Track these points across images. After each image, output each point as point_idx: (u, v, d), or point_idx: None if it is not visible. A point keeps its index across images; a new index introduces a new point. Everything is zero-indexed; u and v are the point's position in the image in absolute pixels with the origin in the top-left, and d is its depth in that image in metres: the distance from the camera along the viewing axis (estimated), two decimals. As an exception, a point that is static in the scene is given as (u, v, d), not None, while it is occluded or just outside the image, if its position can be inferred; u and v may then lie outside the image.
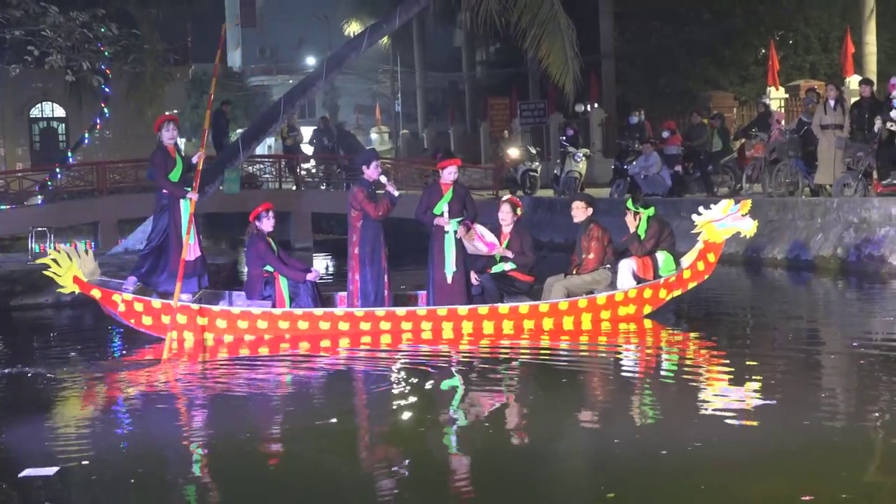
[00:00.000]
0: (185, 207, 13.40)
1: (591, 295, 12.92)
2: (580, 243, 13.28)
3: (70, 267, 12.75)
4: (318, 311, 12.85)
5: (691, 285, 13.20)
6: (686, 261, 13.20)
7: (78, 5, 28.74)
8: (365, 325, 12.70)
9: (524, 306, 12.72)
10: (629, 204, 13.58)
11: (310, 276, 13.23)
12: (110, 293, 13.10)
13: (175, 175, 13.53)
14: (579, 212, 13.29)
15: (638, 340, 12.60)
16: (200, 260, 13.60)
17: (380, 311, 12.79)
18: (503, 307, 12.73)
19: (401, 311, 12.80)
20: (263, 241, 13.15)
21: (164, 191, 13.58)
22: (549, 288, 13.23)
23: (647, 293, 12.98)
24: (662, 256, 13.11)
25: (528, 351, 11.93)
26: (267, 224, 13.22)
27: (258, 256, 13.20)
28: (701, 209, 12.92)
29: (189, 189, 13.48)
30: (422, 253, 13.99)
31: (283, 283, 13.15)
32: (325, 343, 12.54)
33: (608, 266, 13.19)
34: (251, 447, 8.32)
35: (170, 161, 13.52)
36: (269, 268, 13.20)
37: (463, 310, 12.68)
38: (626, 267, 13.11)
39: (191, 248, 13.31)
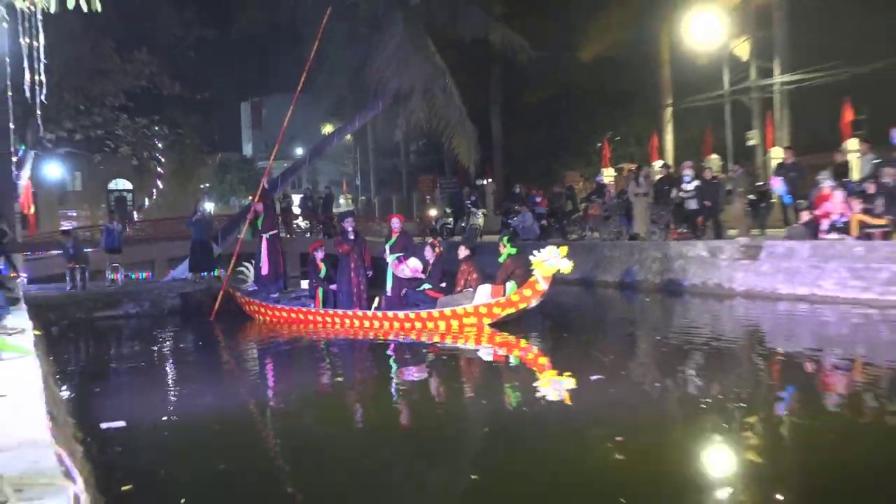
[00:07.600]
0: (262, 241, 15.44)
1: (440, 309, 12.69)
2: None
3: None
4: (303, 310, 13.93)
5: (522, 305, 12.32)
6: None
7: (141, 113, 28.51)
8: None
9: (403, 314, 12.84)
10: (504, 239, 13.70)
11: (333, 287, 14.21)
12: (234, 290, 15.25)
13: (258, 222, 15.66)
14: (461, 251, 13.65)
15: (472, 340, 11.76)
16: (272, 274, 15.42)
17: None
18: (401, 314, 12.91)
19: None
20: (313, 265, 14.53)
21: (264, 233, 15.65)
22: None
23: (483, 309, 12.46)
24: (510, 285, 12.78)
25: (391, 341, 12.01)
26: (320, 254, 14.57)
27: (310, 273, 14.86)
28: (535, 252, 12.15)
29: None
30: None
31: (320, 291, 14.32)
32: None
33: (470, 289, 12.98)
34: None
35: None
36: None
37: (360, 313, 13.24)
38: (483, 290, 12.84)
39: (261, 267, 15.44)
